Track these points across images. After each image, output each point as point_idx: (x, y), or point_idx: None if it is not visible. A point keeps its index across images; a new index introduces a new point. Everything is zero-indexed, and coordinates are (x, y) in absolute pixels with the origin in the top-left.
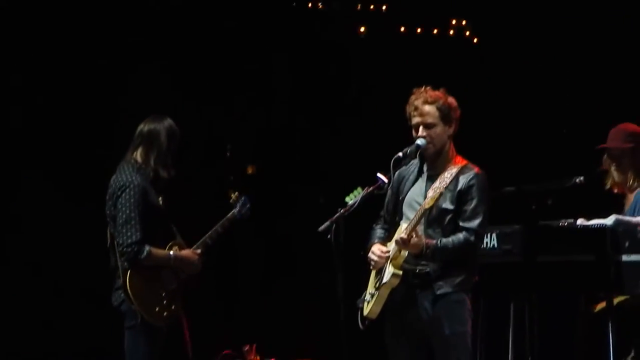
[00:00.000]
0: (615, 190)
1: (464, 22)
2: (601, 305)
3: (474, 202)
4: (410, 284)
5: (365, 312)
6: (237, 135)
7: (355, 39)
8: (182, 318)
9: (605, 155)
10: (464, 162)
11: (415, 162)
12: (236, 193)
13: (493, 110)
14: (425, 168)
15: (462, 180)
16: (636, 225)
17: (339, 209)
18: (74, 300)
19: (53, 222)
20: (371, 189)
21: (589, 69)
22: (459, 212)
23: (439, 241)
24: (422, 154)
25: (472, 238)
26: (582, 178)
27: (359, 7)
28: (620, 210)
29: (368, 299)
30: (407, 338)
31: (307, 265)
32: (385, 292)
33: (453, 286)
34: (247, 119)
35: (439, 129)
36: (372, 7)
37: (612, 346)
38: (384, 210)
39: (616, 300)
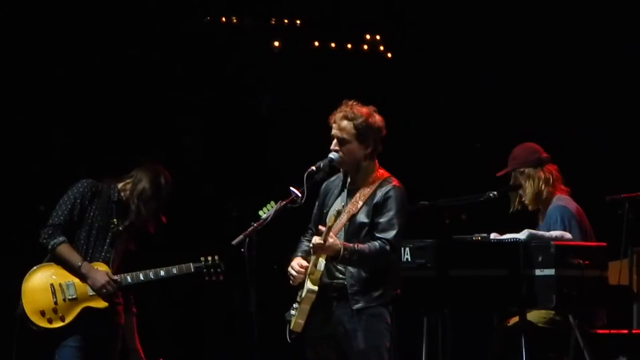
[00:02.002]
0: (530, 208)
1: (377, 37)
2: (514, 319)
3: (389, 214)
4: (329, 297)
5: (291, 325)
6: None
7: (269, 54)
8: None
9: (514, 177)
10: (385, 175)
11: (340, 176)
12: (216, 257)
13: (407, 125)
14: (347, 182)
15: (379, 194)
16: (549, 239)
17: (252, 223)
18: None
19: None
20: (284, 202)
21: (502, 83)
22: (374, 224)
23: (355, 245)
24: (337, 166)
25: (388, 247)
26: (495, 193)
27: (273, 22)
28: (533, 225)
29: (293, 313)
30: (325, 351)
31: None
32: (305, 306)
33: (370, 300)
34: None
35: (352, 146)
36: (285, 21)
37: None
38: (311, 222)
39: (530, 316)
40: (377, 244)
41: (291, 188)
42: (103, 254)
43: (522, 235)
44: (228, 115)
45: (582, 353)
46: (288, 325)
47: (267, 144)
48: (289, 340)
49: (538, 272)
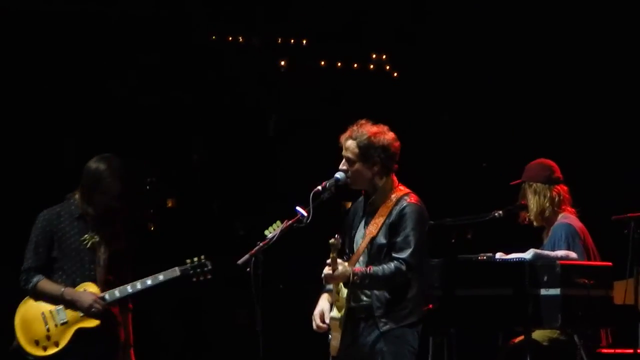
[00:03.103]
0: (535, 224)
1: (384, 57)
2: (519, 339)
3: (405, 232)
4: (357, 319)
5: (332, 351)
6: (157, 170)
7: (276, 72)
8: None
9: (523, 189)
10: (403, 192)
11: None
12: (202, 256)
13: (413, 144)
14: (368, 203)
15: (395, 212)
16: (555, 259)
17: (258, 242)
18: None
19: None
20: (290, 222)
21: (508, 104)
22: (392, 244)
23: (367, 269)
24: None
25: (404, 267)
26: (500, 212)
27: (279, 41)
28: (538, 244)
29: (330, 338)
30: None
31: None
32: (335, 333)
33: (398, 321)
34: (168, 155)
35: (357, 166)
36: (292, 41)
37: None
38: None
39: (535, 335)
40: (392, 264)
41: (297, 208)
42: (87, 272)
43: (528, 255)
44: (236, 133)
45: None
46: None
47: (274, 162)
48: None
49: (543, 291)
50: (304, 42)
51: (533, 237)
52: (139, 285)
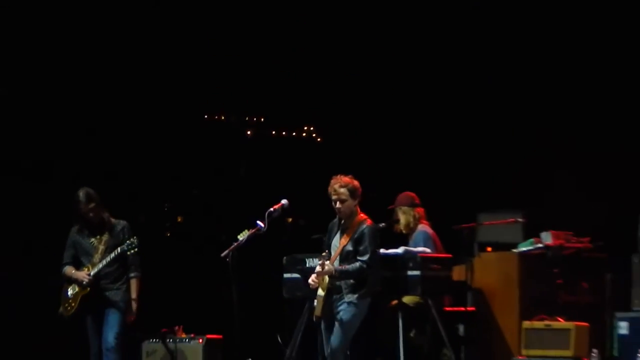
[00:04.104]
0: (404, 232)
1: (312, 128)
2: (395, 302)
3: (365, 244)
4: (333, 294)
5: (315, 312)
6: (172, 199)
7: (245, 139)
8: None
9: (396, 211)
10: (363, 217)
11: (337, 219)
12: (134, 237)
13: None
14: (342, 223)
15: (358, 231)
16: (417, 253)
17: (233, 243)
18: None
19: None
20: (253, 231)
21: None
22: (356, 251)
23: (342, 267)
24: (339, 216)
25: (365, 266)
26: (384, 224)
27: (247, 119)
28: (406, 244)
29: (315, 305)
30: (328, 322)
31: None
32: (319, 303)
33: (356, 296)
34: (178, 190)
35: (349, 202)
36: (255, 118)
37: (400, 329)
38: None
39: (405, 299)
40: (357, 264)
41: (257, 221)
42: (89, 259)
43: (400, 250)
44: (219, 174)
45: (437, 322)
46: (313, 311)
47: (244, 192)
48: (314, 320)
49: (410, 272)
50: (262, 119)
51: (404, 240)
52: (107, 259)
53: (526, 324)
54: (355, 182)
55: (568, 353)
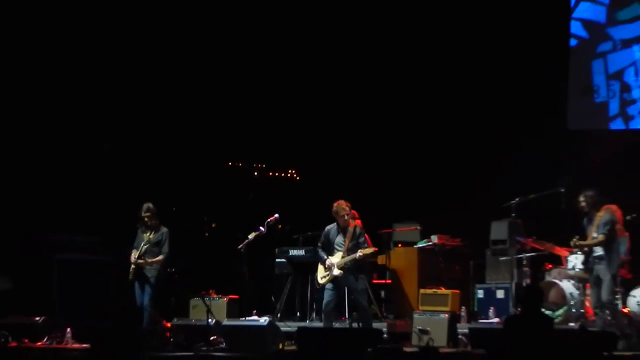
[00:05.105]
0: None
1: (293, 171)
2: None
3: (362, 239)
4: (346, 270)
5: (321, 281)
6: (209, 212)
7: (252, 177)
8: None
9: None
10: (357, 222)
11: (334, 224)
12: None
13: (309, 216)
14: (340, 227)
15: (357, 231)
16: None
17: (246, 239)
18: None
19: None
20: (257, 233)
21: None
22: (357, 244)
23: (350, 256)
24: (344, 224)
25: (362, 254)
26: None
27: (254, 165)
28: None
29: (322, 276)
30: (338, 290)
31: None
32: (332, 276)
33: (360, 272)
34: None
35: (349, 217)
36: (258, 165)
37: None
38: (320, 242)
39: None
40: (359, 252)
41: (260, 227)
42: (138, 247)
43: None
44: (237, 201)
45: (368, 289)
46: (317, 280)
47: (252, 211)
48: (317, 286)
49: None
50: (263, 165)
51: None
52: (142, 249)
53: (422, 291)
54: (347, 204)
55: (447, 309)
